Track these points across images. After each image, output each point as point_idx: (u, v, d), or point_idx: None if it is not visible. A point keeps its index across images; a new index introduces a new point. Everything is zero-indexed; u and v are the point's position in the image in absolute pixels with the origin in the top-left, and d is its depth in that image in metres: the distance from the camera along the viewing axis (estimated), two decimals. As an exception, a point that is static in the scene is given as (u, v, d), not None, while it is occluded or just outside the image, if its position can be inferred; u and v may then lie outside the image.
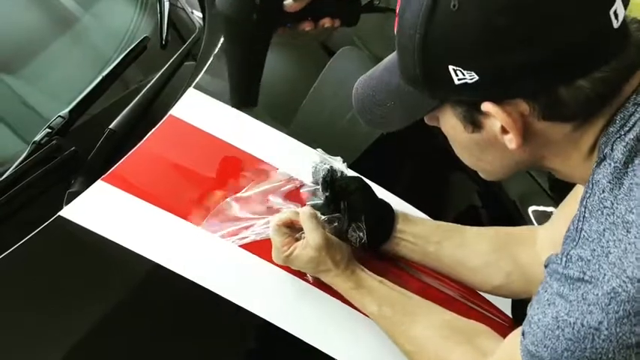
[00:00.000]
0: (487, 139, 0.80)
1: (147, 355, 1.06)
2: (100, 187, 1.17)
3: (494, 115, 0.76)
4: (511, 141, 0.77)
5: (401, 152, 1.52)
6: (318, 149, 1.24)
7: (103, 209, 1.15)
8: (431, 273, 1.21)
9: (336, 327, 1.11)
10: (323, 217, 1.12)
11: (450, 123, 0.82)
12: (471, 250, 1.17)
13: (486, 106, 0.76)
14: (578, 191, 1.06)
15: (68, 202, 1.16)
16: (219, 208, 1.18)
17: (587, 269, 0.72)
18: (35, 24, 1.55)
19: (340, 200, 1.15)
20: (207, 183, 1.25)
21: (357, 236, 1.14)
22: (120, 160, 1.22)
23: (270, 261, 1.12)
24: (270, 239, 1.11)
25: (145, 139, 1.26)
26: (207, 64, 1.43)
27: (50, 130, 1.23)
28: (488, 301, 1.23)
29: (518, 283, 1.15)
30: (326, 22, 1.14)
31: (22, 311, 1.06)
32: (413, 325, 1.04)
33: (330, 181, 1.17)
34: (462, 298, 1.22)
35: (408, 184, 1.42)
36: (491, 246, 1.17)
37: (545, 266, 0.79)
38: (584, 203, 0.76)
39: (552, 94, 0.74)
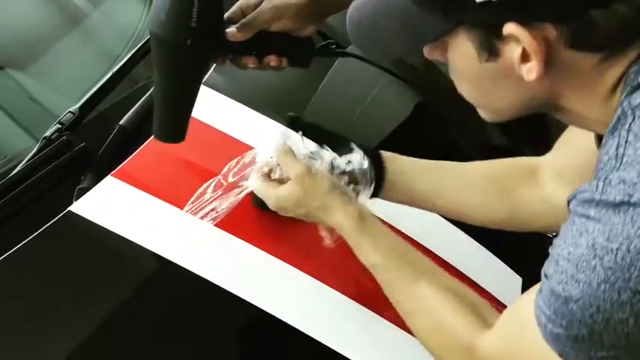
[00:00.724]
0: (502, 69, 0.73)
1: (156, 350, 1.06)
2: (110, 182, 1.17)
3: (517, 38, 0.69)
4: (531, 70, 0.71)
5: (410, 147, 1.52)
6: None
7: (112, 205, 1.15)
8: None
9: (324, 310, 1.10)
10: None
11: (461, 51, 0.75)
12: (469, 188, 1.13)
13: (510, 28, 0.68)
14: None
15: (78, 197, 1.16)
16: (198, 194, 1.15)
17: (632, 191, 0.65)
18: (44, 20, 1.56)
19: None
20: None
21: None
22: (129, 156, 1.22)
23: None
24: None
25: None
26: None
27: (60, 126, 1.24)
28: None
29: (522, 218, 1.12)
30: (272, 60, 1.04)
31: (33, 306, 1.06)
32: (417, 283, 0.95)
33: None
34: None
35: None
36: (489, 183, 1.13)
37: (570, 200, 0.73)
38: (628, 128, 0.69)
39: (584, 18, 0.67)
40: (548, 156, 1.12)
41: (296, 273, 1.14)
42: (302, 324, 1.08)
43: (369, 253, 0.99)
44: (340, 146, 1.11)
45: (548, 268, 0.72)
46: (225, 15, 1.03)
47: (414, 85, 1.72)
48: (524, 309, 0.79)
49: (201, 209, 1.11)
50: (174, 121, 1.06)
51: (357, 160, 1.08)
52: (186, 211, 1.12)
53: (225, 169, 1.13)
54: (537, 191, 1.11)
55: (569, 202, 0.73)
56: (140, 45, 1.41)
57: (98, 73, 1.42)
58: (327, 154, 1.08)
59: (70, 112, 1.26)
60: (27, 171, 1.17)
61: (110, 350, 1.05)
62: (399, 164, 1.12)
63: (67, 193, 1.18)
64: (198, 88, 1.04)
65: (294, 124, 1.12)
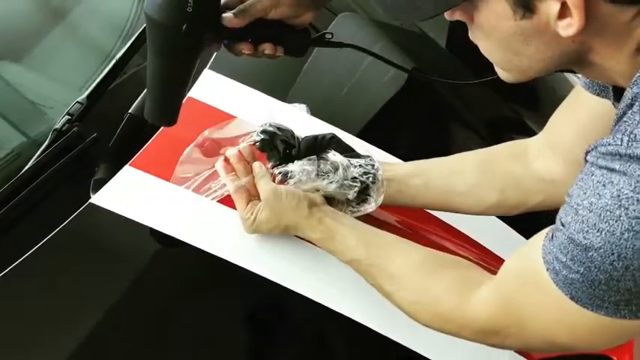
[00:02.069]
0: (537, 26, 0.73)
1: (187, 334, 1.06)
2: (128, 172, 1.16)
3: None
4: (569, 26, 0.70)
5: (400, 121, 1.54)
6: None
7: (133, 194, 1.14)
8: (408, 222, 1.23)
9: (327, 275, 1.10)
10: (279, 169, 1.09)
11: (495, 9, 0.73)
12: (458, 174, 1.14)
13: None
14: (573, 100, 1.05)
15: (95, 189, 1.14)
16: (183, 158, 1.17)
17: None
18: (35, 12, 1.52)
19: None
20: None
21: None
22: (142, 144, 1.21)
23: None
24: None
25: (167, 122, 1.24)
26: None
27: (70, 117, 1.21)
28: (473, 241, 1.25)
29: (514, 197, 1.13)
30: (267, 47, 1.03)
31: (63, 300, 1.05)
32: (390, 264, 0.99)
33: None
34: (447, 242, 1.26)
35: (409, 151, 1.43)
36: (478, 166, 1.15)
37: (589, 152, 0.75)
38: None
39: None
40: (538, 135, 1.14)
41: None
42: (326, 298, 1.09)
43: (342, 253, 1.04)
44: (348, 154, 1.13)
45: (565, 216, 0.75)
46: (223, 0, 1.02)
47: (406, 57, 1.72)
48: (527, 258, 0.82)
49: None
50: (166, 104, 1.05)
51: (369, 167, 1.10)
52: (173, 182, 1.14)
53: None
54: (527, 168, 1.12)
55: (586, 153, 0.75)
56: (140, 31, 1.38)
57: (91, 65, 1.40)
58: (341, 160, 1.10)
59: (78, 102, 1.23)
60: (41, 164, 1.15)
61: (141, 336, 1.05)
62: (390, 169, 1.14)
63: (82, 185, 1.16)
64: (192, 72, 1.03)
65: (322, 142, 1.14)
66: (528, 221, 1.31)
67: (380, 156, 1.26)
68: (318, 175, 1.09)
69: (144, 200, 1.14)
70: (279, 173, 1.10)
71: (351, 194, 1.09)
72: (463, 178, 1.14)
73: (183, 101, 1.26)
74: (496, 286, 0.89)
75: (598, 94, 0.99)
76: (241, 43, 1.02)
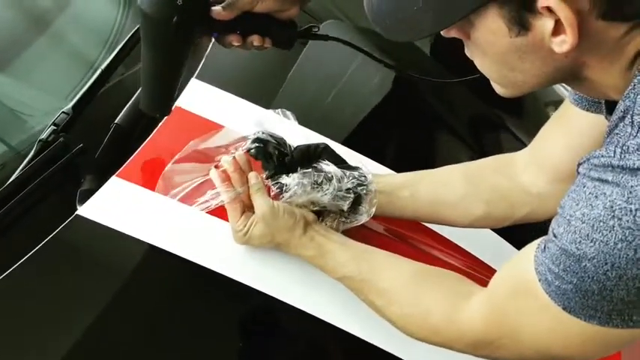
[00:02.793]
0: (532, 43, 0.74)
1: (173, 348, 1.05)
2: (115, 183, 1.15)
3: (552, 11, 0.70)
4: (563, 43, 0.72)
5: (387, 127, 1.54)
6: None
7: (120, 206, 1.13)
8: (399, 232, 1.23)
9: (319, 287, 1.10)
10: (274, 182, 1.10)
11: (490, 27, 0.75)
12: (446, 186, 1.16)
13: (546, 1, 0.69)
14: (562, 115, 1.06)
15: (82, 200, 1.13)
16: (165, 174, 1.17)
17: None
18: (18, 21, 1.50)
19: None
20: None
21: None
22: (129, 154, 1.20)
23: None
24: None
25: (154, 132, 1.23)
26: (207, 53, 1.40)
27: (55, 127, 1.20)
28: (464, 251, 1.25)
29: (501, 210, 1.14)
30: (255, 39, 1.06)
31: (48, 313, 1.03)
32: (380, 279, 1.00)
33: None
34: (438, 252, 1.25)
35: (397, 158, 1.44)
36: (465, 178, 1.16)
37: (581, 164, 0.76)
38: None
39: None
40: (525, 149, 1.15)
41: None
42: (315, 309, 1.09)
43: (334, 270, 1.05)
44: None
45: (557, 227, 0.76)
46: None
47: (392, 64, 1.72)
48: (519, 269, 0.83)
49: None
50: (159, 96, 1.09)
51: (362, 179, 1.10)
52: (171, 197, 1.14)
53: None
54: (514, 181, 1.13)
55: (578, 165, 0.77)
56: (126, 40, 1.37)
57: (75, 74, 1.39)
58: (335, 171, 1.10)
59: (63, 112, 1.22)
60: (26, 175, 1.13)
61: (128, 347, 1.04)
62: (379, 181, 1.14)
63: (68, 196, 1.15)
64: (184, 64, 1.06)
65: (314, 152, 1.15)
66: (519, 231, 1.33)
67: (370, 166, 1.25)
68: (312, 187, 1.08)
69: (131, 211, 1.13)
70: (275, 184, 1.10)
71: (345, 205, 1.09)
72: (451, 190, 1.15)
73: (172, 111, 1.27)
74: (488, 298, 0.89)
75: (587, 110, 1.01)
76: (230, 35, 1.05)
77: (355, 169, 1.12)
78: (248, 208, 1.09)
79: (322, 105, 1.48)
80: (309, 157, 1.13)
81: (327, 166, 1.10)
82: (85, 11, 1.56)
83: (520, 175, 1.13)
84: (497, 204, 1.14)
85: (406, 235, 1.25)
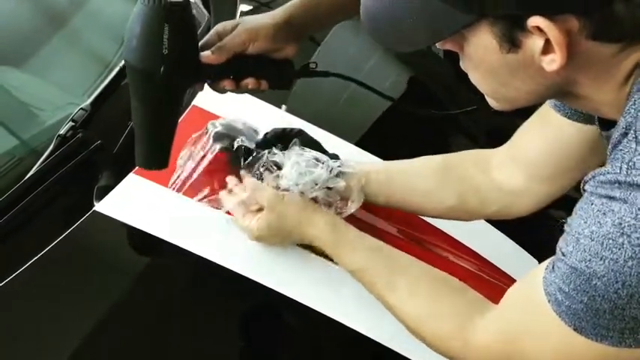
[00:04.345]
0: (522, 60, 0.75)
1: (190, 343, 1.05)
2: (132, 180, 1.15)
3: (542, 30, 0.70)
4: (552, 62, 0.72)
5: (398, 130, 1.54)
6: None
7: (137, 202, 1.13)
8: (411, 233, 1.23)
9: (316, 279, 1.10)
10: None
11: (482, 43, 0.75)
12: (421, 174, 1.16)
13: (535, 21, 0.70)
14: (543, 115, 1.06)
15: (99, 196, 1.14)
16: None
17: None
18: (36, 18, 1.51)
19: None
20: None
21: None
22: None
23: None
24: None
25: (171, 130, 1.24)
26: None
27: (74, 124, 1.21)
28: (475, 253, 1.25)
29: (473, 204, 1.14)
30: (249, 82, 1.03)
31: (65, 309, 1.04)
32: (397, 277, 0.99)
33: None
34: (449, 254, 1.26)
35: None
36: (440, 169, 1.16)
37: (587, 181, 0.75)
38: None
39: (607, 10, 0.69)
40: (502, 146, 1.15)
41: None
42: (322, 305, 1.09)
43: (348, 260, 1.03)
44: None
45: (566, 246, 0.75)
46: (202, 41, 1.02)
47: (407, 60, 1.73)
48: (528, 290, 0.82)
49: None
50: (155, 149, 1.04)
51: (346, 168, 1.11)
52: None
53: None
54: (488, 177, 1.14)
55: (584, 183, 0.76)
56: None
57: (92, 72, 1.40)
58: (326, 160, 1.11)
59: (82, 108, 1.23)
60: (44, 171, 1.14)
61: (145, 343, 1.05)
62: (355, 165, 1.14)
63: (85, 192, 1.16)
64: (177, 116, 1.03)
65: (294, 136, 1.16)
66: (527, 232, 1.33)
67: (358, 155, 1.27)
68: (308, 166, 1.09)
69: (148, 208, 1.13)
70: (265, 169, 1.10)
71: (338, 187, 1.09)
72: (424, 179, 1.16)
73: (189, 109, 1.27)
74: (499, 316, 0.89)
75: (568, 117, 1.01)
76: (223, 80, 1.02)
77: (333, 155, 1.14)
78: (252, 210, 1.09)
79: (334, 105, 1.49)
80: (284, 138, 1.13)
81: (310, 152, 1.11)
82: (101, 9, 1.57)
83: (494, 171, 1.14)
84: (469, 197, 1.14)
85: (418, 237, 1.26)
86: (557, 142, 1.05)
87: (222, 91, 1.04)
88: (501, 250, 1.30)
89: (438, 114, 1.58)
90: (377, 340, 1.07)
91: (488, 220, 1.32)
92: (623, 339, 0.73)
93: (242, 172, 1.12)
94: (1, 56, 1.37)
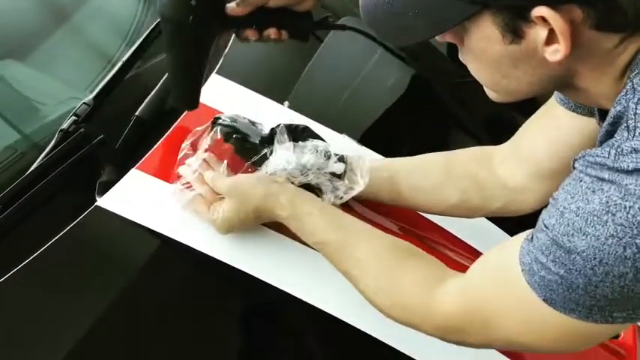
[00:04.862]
0: (525, 51, 0.75)
1: (192, 340, 1.05)
2: (135, 175, 1.15)
3: (546, 20, 0.71)
4: (556, 52, 0.73)
5: (402, 127, 1.54)
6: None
7: (139, 198, 1.13)
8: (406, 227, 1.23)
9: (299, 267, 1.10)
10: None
11: (484, 34, 0.76)
12: (424, 171, 1.16)
13: (540, 11, 0.70)
14: (547, 110, 1.07)
15: (101, 191, 1.13)
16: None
17: None
18: (39, 12, 1.51)
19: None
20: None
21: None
22: (149, 147, 1.20)
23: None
24: None
25: (174, 125, 1.23)
26: (227, 49, 1.40)
27: (76, 118, 1.20)
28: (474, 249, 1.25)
29: (475, 200, 1.15)
30: (271, 33, 1.08)
31: (67, 304, 1.04)
32: (358, 248, 0.98)
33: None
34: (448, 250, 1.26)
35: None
36: (444, 166, 1.17)
37: (577, 159, 0.76)
38: (637, 101, 0.73)
39: (611, 0, 0.70)
40: (506, 143, 1.15)
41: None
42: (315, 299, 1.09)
43: (312, 234, 1.03)
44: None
45: (549, 218, 0.75)
46: None
47: (408, 59, 1.73)
48: (501, 259, 0.83)
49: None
50: (186, 91, 1.13)
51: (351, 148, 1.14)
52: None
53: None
54: (491, 173, 1.14)
55: (574, 161, 0.77)
56: (147, 33, 1.37)
57: (94, 66, 1.40)
58: (324, 146, 1.12)
59: (84, 103, 1.22)
60: (46, 165, 1.13)
61: (147, 338, 1.05)
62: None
63: (87, 187, 1.15)
64: (206, 61, 1.10)
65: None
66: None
67: (360, 152, 1.25)
68: (298, 151, 1.10)
69: (150, 204, 1.13)
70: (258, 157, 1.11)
71: (340, 170, 1.10)
72: (428, 176, 1.16)
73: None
74: (465, 282, 0.89)
75: (573, 111, 1.01)
76: (247, 30, 1.08)
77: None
78: (216, 201, 1.08)
79: (338, 101, 1.49)
80: (293, 135, 1.15)
81: (312, 142, 1.13)
82: (105, 4, 1.57)
83: (497, 167, 1.14)
84: (472, 194, 1.14)
85: (419, 234, 1.25)
86: (560, 136, 1.05)
87: (245, 40, 1.09)
88: (489, 238, 1.29)
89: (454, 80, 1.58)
90: (358, 327, 1.07)
91: (489, 217, 1.32)
92: (591, 314, 0.74)
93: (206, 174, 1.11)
94: (4, 50, 1.37)
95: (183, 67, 1.10)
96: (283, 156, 1.09)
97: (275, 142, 1.12)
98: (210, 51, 1.09)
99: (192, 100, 1.15)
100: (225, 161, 1.11)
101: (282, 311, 1.14)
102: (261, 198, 1.04)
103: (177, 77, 1.11)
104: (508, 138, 1.16)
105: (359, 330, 1.07)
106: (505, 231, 1.34)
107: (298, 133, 1.16)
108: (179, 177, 1.13)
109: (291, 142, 1.11)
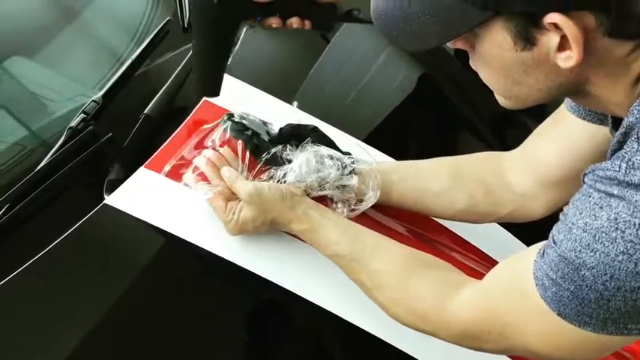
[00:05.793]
0: (537, 57, 0.75)
1: (203, 338, 1.06)
2: (143, 173, 1.15)
3: (558, 27, 0.70)
4: (568, 59, 0.72)
5: (411, 127, 1.54)
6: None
7: (147, 196, 1.13)
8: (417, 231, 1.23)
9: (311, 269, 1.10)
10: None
11: (496, 40, 0.75)
12: (433, 176, 1.16)
13: (552, 18, 0.70)
14: (557, 117, 1.07)
15: (109, 189, 1.14)
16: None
17: None
18: (48, 9, 1.51)
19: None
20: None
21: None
22: (157, 145, 1.20)
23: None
24: None
25: (182, 124, 1.23)
26: (235, 49, 1.40)
27: (85, 116, 1.21)
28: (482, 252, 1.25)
29: (484, 205, 1.14)
30: (294, 22, 1.08)
31: (75, 301, 1.04)
32: (372, 260, 0.99)
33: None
34: (456, 253, 1.25)
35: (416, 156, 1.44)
36: (453, 171, 1.16)
37: (586, 174, 0.76)
38: None
39: (624, 7, 0.70)
40: (516, 149, 1.15)
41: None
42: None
43: (326, 247, 1.03)
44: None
45: (558, 234, 0.76)
46: None
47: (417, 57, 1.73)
48: (516, 270, 0.83)
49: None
50: (208, 78, 1.14)
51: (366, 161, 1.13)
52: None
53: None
54: (500, 179, 1.13)
55: (584, 175, 0.77)
56: (155, 33, 1.38)
57: (103, 64, 1.40)
58: (340, 157, 1.12)
59: (93, 100, 1.23)
60: (55, 163, 1.14)
61: (154, 336, 1.05)
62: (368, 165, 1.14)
63: (95, 185, 1.16)
64: (230, 47, 1.13)
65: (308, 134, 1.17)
66: (536, 233, 1.33)
67: (369, 152, 1.26)
68: (317, 162, 1.10)
69: (158, 202, 1.13)
70: (275, 168, 1.10)
71: (352, 183, 1.10)
72: (437, 180, 1.16)
73: (200, 104, 1.27)
74: (482, 291, 0.89)
75: (583, 119, 1.01)
76: (271, 18, 1.08)
77: (345, 153, 1.14)
78: (232, 199, 1.08)
79: (345, 101, 1.49)
80: (299, 134, 1.15)
81: (325, 149, 1.12)
82: (114, 2, 1.57)
83: (507, 173, 1.14)
84: (481, 199, 1.14)
85: (427, 237, 1.25)
86: (570, 144, 1.05)
87: (269, 27, 1.09)
88: (510, 251, 1.29)
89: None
90: (365, 329, 1.07)
91: (500, 223, 1.32)
92: (605, 327, 0.75)
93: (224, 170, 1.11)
94: (13, 46, 1.37)
95: (207, 52, 1.11)
96: (304, 167, 1.09)
97: (298, 150, 1.12)
98: (234, 37, 1.11)
99: (214, 87, 1.15)
100: (242, 159, 1.12)
101: (289, 311, 1.15)
102: (280, 211, 1.05)
103: (201, 62, 1.12)
104: (517, 139, 1.15)
105: (365, 332, 1.07)
106: (512, 233, 1.34)
107: (306, 134, 1.16)
108: (192, 168, 1.13)
109: (313, 152, 1.11)
